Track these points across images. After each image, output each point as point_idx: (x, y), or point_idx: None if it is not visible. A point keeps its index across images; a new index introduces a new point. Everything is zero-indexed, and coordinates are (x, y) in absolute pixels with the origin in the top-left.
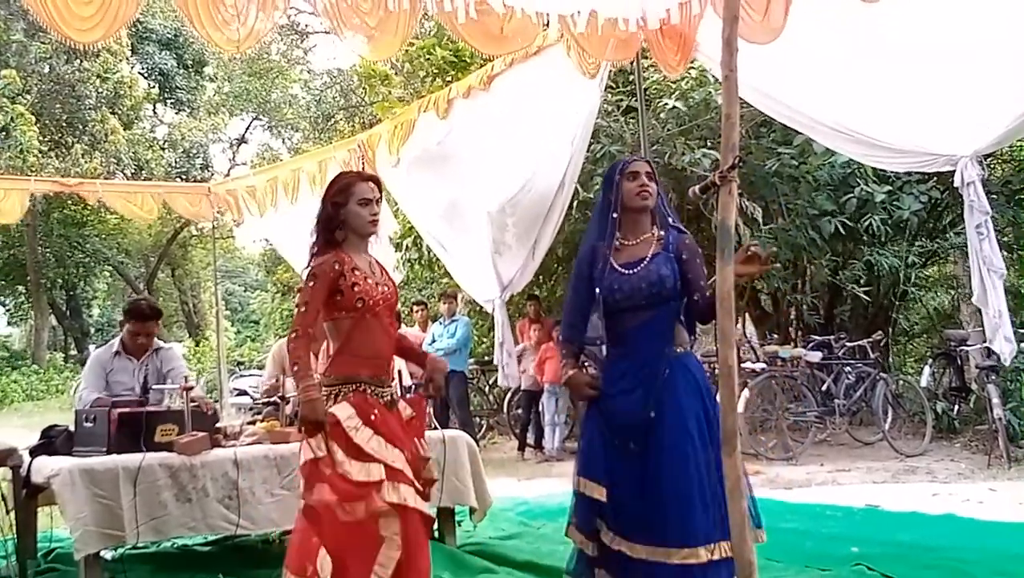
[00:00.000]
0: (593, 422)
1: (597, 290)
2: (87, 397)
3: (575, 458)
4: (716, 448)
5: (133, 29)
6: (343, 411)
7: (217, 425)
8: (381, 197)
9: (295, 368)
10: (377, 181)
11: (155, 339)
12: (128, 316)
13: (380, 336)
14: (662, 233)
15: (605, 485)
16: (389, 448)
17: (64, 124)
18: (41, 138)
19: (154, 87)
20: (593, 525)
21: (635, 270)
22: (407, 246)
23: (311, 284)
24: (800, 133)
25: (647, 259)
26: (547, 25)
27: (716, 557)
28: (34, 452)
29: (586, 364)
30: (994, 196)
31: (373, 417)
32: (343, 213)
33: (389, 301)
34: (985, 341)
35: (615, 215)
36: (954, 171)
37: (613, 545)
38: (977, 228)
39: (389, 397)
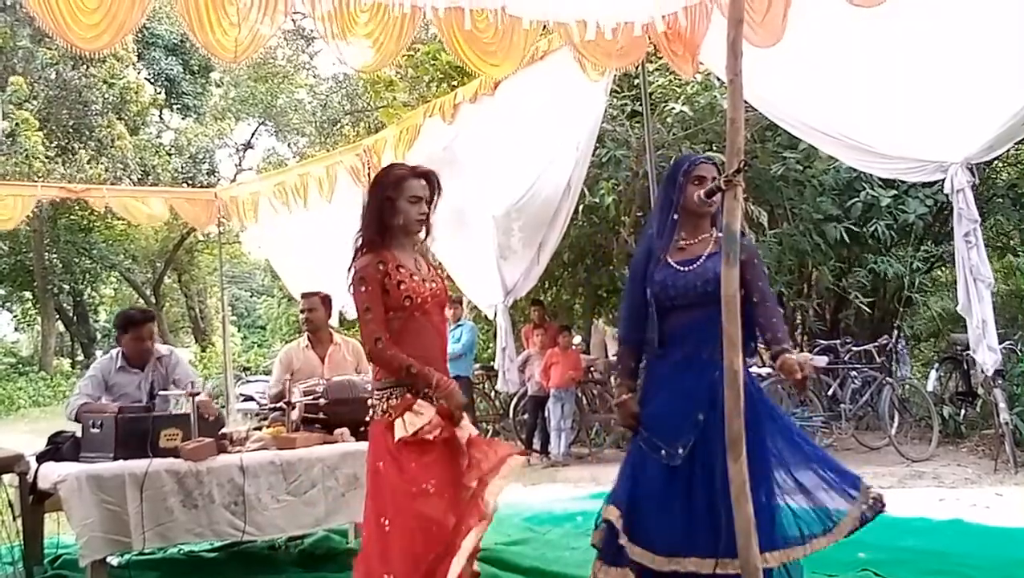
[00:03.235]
0: (636, 447)
1: (648, 290)
2: (74, 404)
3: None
4: (758, 459)
5: (139, 35)
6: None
7: (223, 431)
8: (435, 195)
9: (412, 370)
10: (430, 179)
11: (155, 346)
12: (124, 328)
13: (431, 334)
14: (721, 234)
15: (624, 509)
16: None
17: (71, 130)
18: (48, 144)
19: (160, 92)
20: (622, 556)
21: (691, 267)
22: None
23: (364, 289)
24: None
25: (703, 257)
26: (548, 31)
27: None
28: (41, 458)
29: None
30: (1000, 200)
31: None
32: (394, 207)
33: (439, 298)
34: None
35: (676, 216)
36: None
37: (659, 566)
38: (965, 236)
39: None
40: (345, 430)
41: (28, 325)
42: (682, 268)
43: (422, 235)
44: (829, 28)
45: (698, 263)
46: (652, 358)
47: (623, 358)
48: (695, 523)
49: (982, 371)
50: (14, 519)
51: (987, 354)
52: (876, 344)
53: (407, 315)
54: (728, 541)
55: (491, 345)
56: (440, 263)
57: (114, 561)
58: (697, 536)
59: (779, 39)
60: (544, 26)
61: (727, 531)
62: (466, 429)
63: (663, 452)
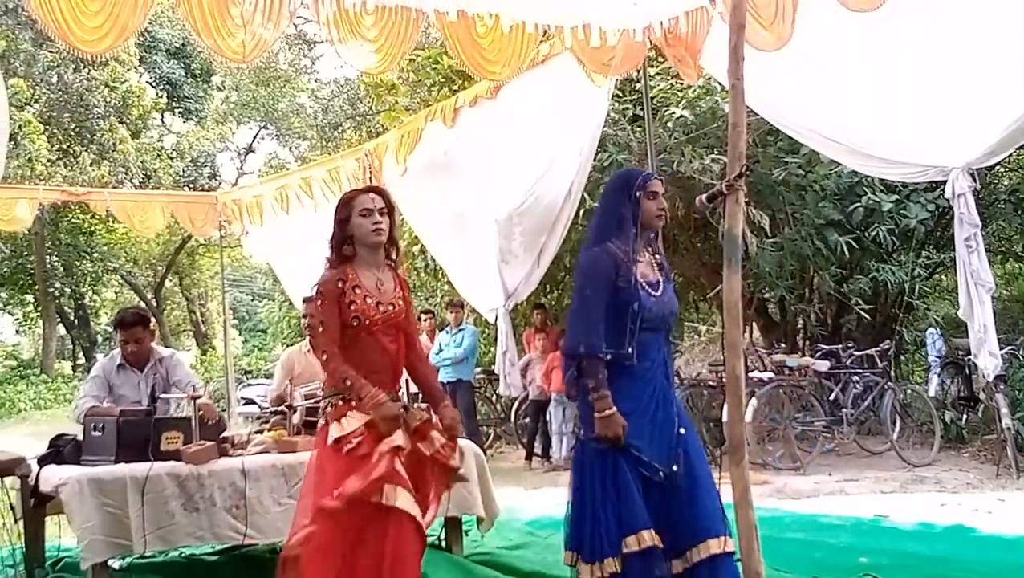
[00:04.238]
0: (615, 471)
1: (635, 305)
2: (83, 406)
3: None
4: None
5: (141, 39)
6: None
7: (224, 434)
8: (388, 208)
9: (347, 382)
10: (380, 192)
11: (154, 347)
12: (114, 326)
13: (376, 354)
14: (657, 258)
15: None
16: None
17: (72, 133)
18: (49, 147)
19: (162, 96)
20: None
21: (659, 293)
22: (414, 254)
23: (319, 302)
24: None
25: (662, 283)
26: (547, 37)
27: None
28: (42, 461)
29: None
30: (1001, 205)
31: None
32: (349, 227)
33: (393, 320)
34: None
35: (634, 230)
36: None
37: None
38: (966, 241)
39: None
40: None
41: (29, 328)
42: (653, 293)
43: (392, 253)
44: (831, 33)
45: (662, 290)
46: (619, 370)
47: (596, 369)
48: (673, 524)
49: (984, 376)
50: (15, 522)
51: (988, 359)
52: (878, 349)
53: (355, 333)
54: (692, 530)
55: (492, 349)
56: (439, 268)
57: (115, 564)
58: (678, 537)
59: (786, 42)
60: (545, 31)
61: (692, 521)
62: (393, 440)
63: (661, 474)
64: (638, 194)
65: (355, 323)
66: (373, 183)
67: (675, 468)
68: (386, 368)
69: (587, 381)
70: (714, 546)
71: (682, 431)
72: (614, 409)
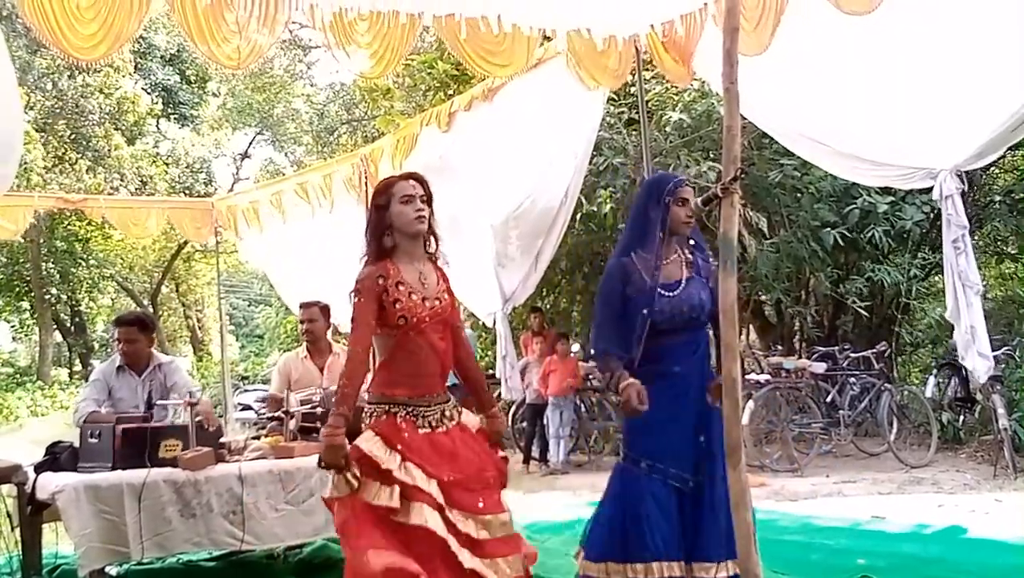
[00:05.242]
0: (637, 496)
1: (645, 311)
2: (83, 410)
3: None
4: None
5: (136, 45)
6: (367, 442)
7: (221, 440)
8: (427, 196)
9: (334, 399)
10: (420, 179)
11: (154, 353)
12: (113, 324)
13: (425, 354)
14: (690, 257)
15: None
16: (416, 470)
17: (68, 140)
18: (45, 154)
19: (157, 103)
20: None
21: (675, 292)
22: None
23: (357, 300)
24: None
25: (683, 281)
26: (547, 39)
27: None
28: (39, 468)
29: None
30: (996, 206)
31: (399, 445)
32: (388, 216)
33: (440, 316)
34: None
35: (661, 235)
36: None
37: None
38: (954, 242)
39: (439, 414)
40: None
41: (26, 335)
42: (667, 293)
43: (431, 245)
44: (815, 35)
45: (681, 288)
46: (643, 380)
47: (611, 360)
48: (694, 536)
49: (975, 377)
50: (12, 530)
51: (978, 360)
52: (874, 350)
53: (402, 334)
54: (730, 545)
55: (488, 353)
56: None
57: (112, 571)
58: (705, 541)
59: (766, 47)
60: (544, 34)
61: (727, 536)
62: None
63: (690, 483)
64: (668, 200)
65: (402, 322)
66: (370, 188)
67: (690, 482)
68: (435, 368)
69: (605, 375)
70: (732, 568)
71: (702, 439)
72: (629, 380)
